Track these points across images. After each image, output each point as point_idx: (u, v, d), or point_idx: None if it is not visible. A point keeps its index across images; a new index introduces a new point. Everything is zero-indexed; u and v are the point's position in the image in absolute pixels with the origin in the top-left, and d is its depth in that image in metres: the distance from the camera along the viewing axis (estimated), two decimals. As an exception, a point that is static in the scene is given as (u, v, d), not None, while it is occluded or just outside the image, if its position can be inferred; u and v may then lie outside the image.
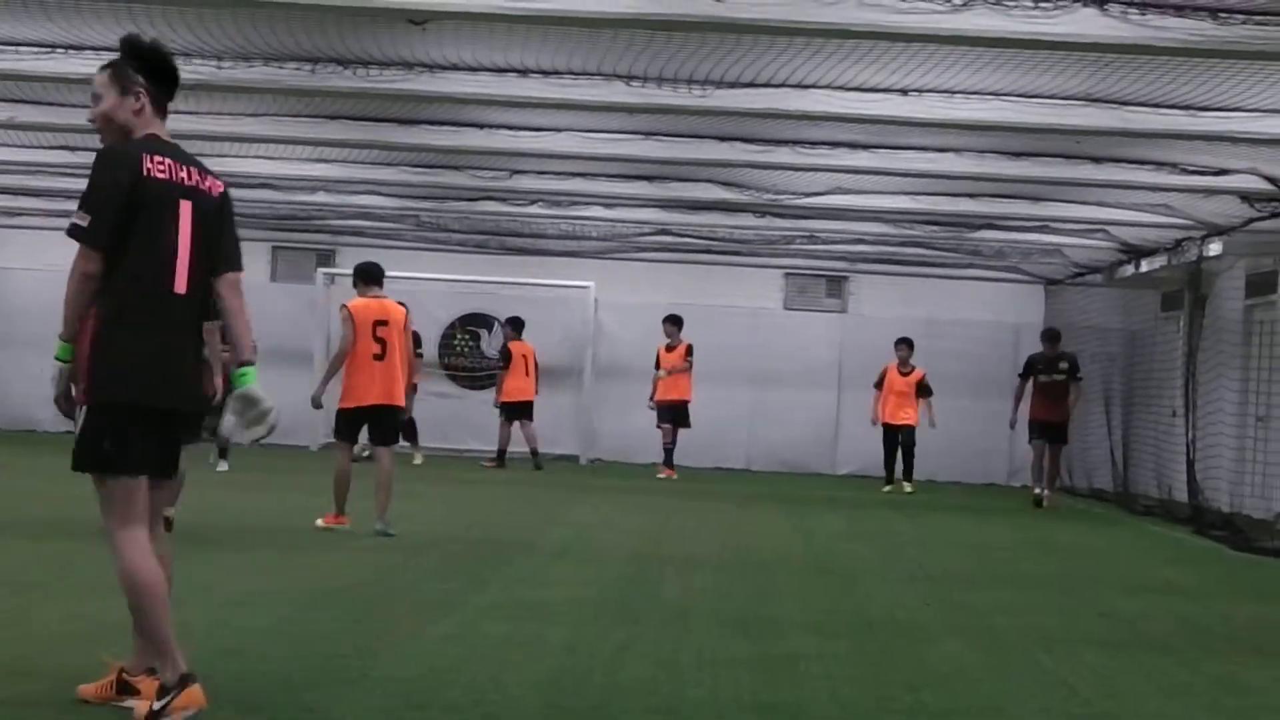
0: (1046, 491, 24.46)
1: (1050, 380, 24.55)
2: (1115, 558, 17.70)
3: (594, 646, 9.44)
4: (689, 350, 26.66)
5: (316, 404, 15.89)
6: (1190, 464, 21.92)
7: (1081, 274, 28.25)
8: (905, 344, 26.32)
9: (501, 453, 27.17)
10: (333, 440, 15.98)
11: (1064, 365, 24.66)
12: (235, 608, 10.23)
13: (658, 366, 26.72)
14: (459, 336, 30.05)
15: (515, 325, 27.36)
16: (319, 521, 15.33)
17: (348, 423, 15.41)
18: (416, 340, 24.40)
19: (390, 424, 15.49)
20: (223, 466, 21.75)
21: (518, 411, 27.15)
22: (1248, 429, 23.45)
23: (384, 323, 15.32)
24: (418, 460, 26.14)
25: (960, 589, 13.77)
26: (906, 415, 26.04)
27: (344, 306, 15.60)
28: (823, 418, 30.02)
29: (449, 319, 29.93)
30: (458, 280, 29.58)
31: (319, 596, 10.93)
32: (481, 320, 30.26)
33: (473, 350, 30.11)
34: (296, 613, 10.12)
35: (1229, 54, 12.49)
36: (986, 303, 30.27)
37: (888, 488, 25.86)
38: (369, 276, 15.71)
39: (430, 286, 28.97)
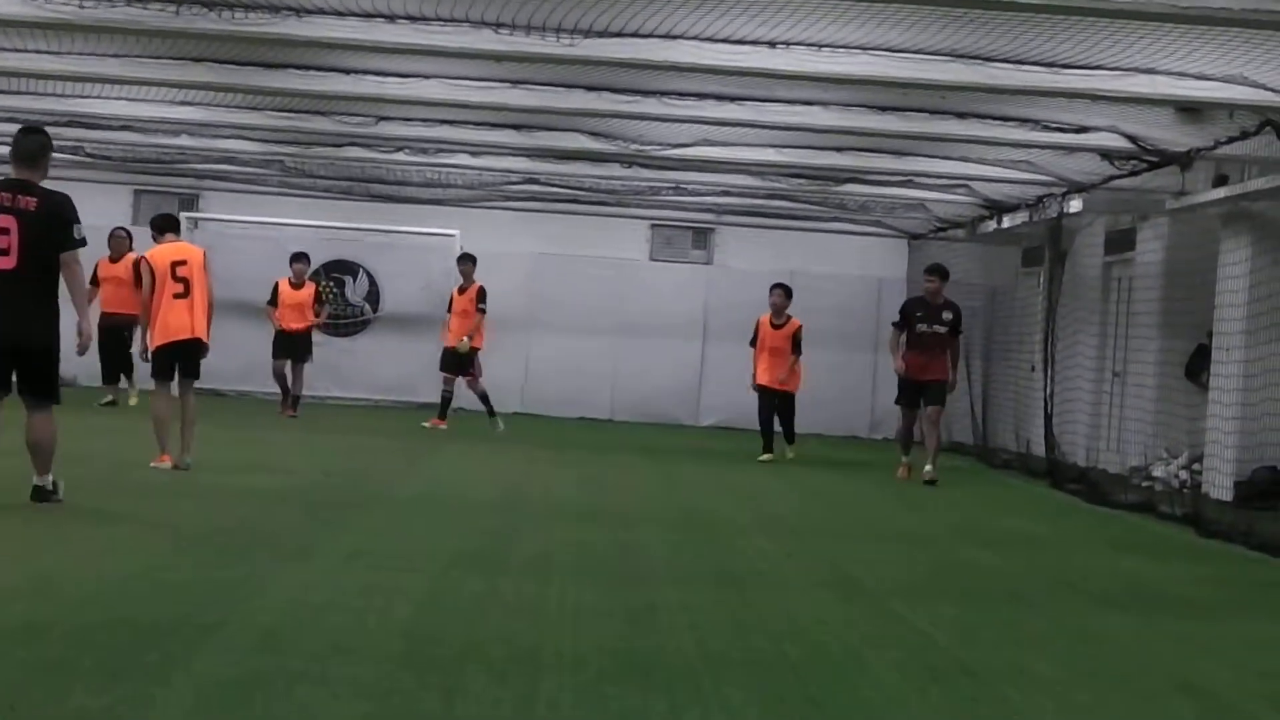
0: (929, 467, 20.05)
1: (930, 331, 20.54)
2: (974, 510, 17.91)
3: (455, 595, 9.44)
4: (481, 294, 24.84)
5: (145, 358, 16.18)
6: (1048, 418, 22.19)
7: (944, 229, 28.47)
8: (780, 290, 22.89)
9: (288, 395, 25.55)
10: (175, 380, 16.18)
11: (948, 316, 20.64)
12: (93, 558, 10.12)
13: (450, 310, 25.17)
14: (323, 283, 29.75)
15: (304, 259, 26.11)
16: (152, 463, 15.62)
17: (161, 360, 15.88)
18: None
19: (195, 358, 15.94)
20: None
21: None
22: (1105, 384, 23.81)
23: (182, 262, 15.88)
24: (133, 401, 23.81)
25: (821, 541, 13.89)
26: (783, 379, 22.54)
27: (141, 258, 16.24)
28: (687, 369, 30.10)
29: (313, 265, 29.55)
30: (322, 226, 29.34)
31: (177, 545, 10.83)
32: (346, 267, 30.03)
33: (337, 297, 29.86)
34: (155, 561, 10.02)
35: (1091, 12, 12.61)
36: (851, 256, 30.43)
37: (765, 456, 22.29)
38: (163, 225, 16.54)
39: (294, 233, 28.68)
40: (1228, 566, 14.17)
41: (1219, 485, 19.37)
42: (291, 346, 25.38)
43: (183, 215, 28.70)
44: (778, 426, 22.87)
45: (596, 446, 23.36)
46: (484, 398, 24.96)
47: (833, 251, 30.30)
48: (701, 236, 31.14)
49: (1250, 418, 18.98)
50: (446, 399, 25.06)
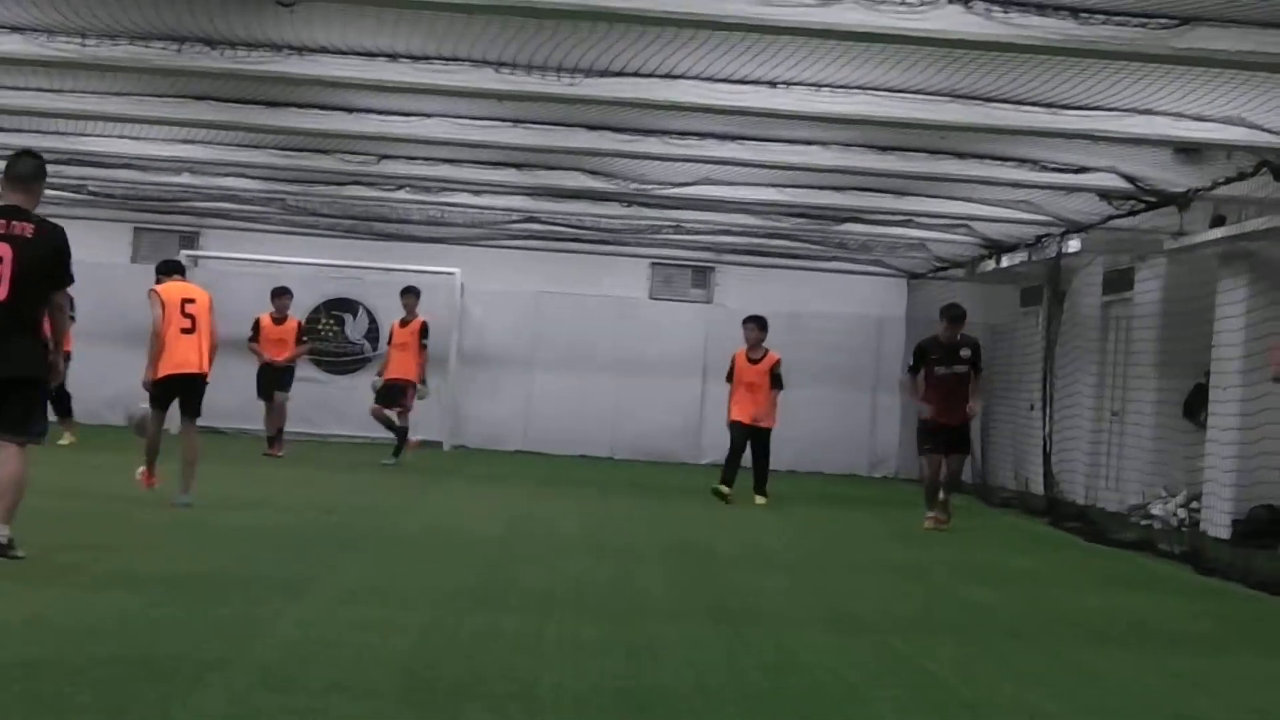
0: (932, 514, 19.38)
1: (950, 373, 19.33)
2: (972, 547, 17.90)
3: (453, 631, 9.45)
4: (424, 330, 24.48)
5: (148, 388, 16.31)
6: (1047, 457, 22.21)
7: (944, 268, 28.54)
8: (754, 323, 21.80)
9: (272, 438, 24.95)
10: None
11: (966, 354, 19.46)
12: (89, 595, 10.10)
13: (390, 343, 24.70)
14: (324, 321, 29.83)
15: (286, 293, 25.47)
16: (136, 473, 16.43)
17: (162, 391, 16.20)
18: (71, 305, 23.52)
19: (197, 394, 16.22)
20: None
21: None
22: (1103, 423, 23.82)
23: (191, 300, 16.30)
24: (64, 440, 22.74)
25: (820, 577, 13.90)
26: (760, 415, 21.30)
27: (151, 290, 16.46)
28: (687, 408, 30.09)
29: (313, 303, 29.60)
30: (323, 264, 29.39)
31: (176, 582, 10.82)
32: (346, 305, 30.09)
33: (337, 335, 29.93)
34: (155, 598, 10.02)
35: (1089, 53, 12.68)
36: (850, 295, 30.48)
37: (725, 489, 21.09)
38: (168, 270, 17.13)
39: (295, 270, 28.72)
40: (1225, 604, 14.18)
41: (1217, 523, 19.39)
42: (274, 382, 24.79)
43: (183, 253, 28.87)
44: (746, 463, 21.58)
45: (597, 484, 23.36)
46: (403, 432, 24.38)
47: (832, 291, 30.35)
48: (701, 275, 31.18)
49: (1248, 456, 19.00)
50: (403, 430, 24.39)
